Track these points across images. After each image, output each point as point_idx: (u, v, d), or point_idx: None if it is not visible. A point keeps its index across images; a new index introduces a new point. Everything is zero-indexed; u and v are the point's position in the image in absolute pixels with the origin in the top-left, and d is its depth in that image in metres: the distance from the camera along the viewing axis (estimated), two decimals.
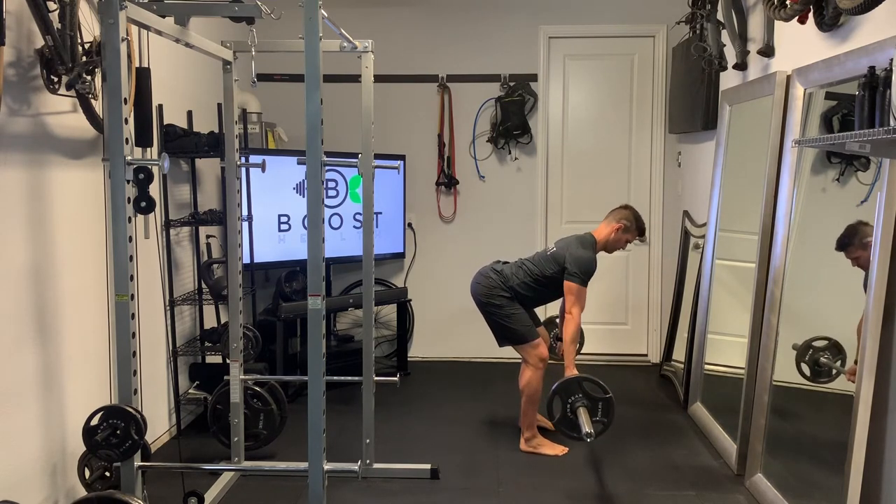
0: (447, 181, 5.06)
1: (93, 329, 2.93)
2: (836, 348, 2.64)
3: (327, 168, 2.18)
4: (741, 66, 3.56)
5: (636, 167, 5.09)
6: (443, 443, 3.65)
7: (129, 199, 2.09)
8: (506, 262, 3.62)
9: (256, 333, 3.50)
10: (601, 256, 3.56)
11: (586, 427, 2.89)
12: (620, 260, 5.10)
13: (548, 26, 4.97)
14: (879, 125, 1.97)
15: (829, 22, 2.61)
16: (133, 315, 2.14)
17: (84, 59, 2.60)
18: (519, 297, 3.50)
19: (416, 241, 5.16)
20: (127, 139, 2.06)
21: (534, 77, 4.99)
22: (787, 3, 2.79)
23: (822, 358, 2.69)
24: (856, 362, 2.38)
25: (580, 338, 3.89)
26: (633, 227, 3.57)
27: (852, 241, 2.56)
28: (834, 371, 2.65)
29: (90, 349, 2.91)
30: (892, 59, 2.02)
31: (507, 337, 3.52)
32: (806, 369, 2.76)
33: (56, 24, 2.44)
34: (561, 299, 3.61)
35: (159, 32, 2.39)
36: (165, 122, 3.52)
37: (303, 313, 2.83)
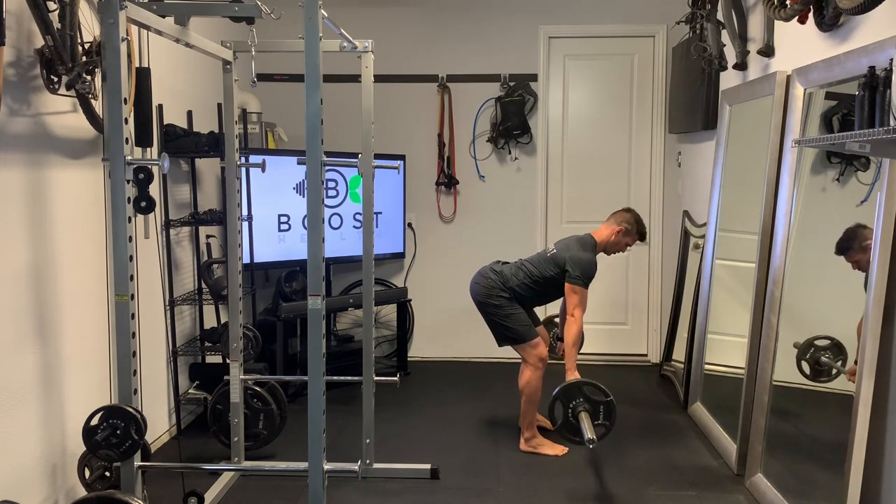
0: (447, 181, 5.06)
1: (93, 329, 2.93)
2: (837, 348, 2.64)
3: (327, 168, 2.18)
4: (741, 66, 3.56)
5: (636, 167, 5.09)
6: (443, 443, 3.65)
7: (129, 199, 2.09)
8: (505, 263, 3.62)
9: (256, 333, 3.50)
10: (600, 256, 3.56)
11: (588, 433, 2.89)
12: (620, 260, 5.09)
13: (548, 26, 4.97)
14: (879, 125, 1.97)
15: (829, 22, 2.61)
16: (133, 315, 2.14)
17: (84, 59, 2.59)
18: (518, 297, 3.50)
19: (416, 241, 5.15)
20: (127, 139, 2.06)
21: (534, 77, 4.99)
22: (787, 3, 2.79)
23: (823, 357, 2.70)
24: (856, 362, 2.38)
25: (580, 339, 3.89)
26: (633, 230, 3.57)
27: (851, 245, 2.56)
28: (834, 371, 2.65)
29: (90, 349, 2.91)
30: (892, 59, 2.02)
31: (507, 337, 3.52)
32: (806, 368, 2.76)
33: (56, 24, 2.44)
34: (561, 299, 3.61)
35: (159, 32, 2.39)
36: (165, 122, 3.52)
37: (303, 313, 2.83)
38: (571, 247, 3.48)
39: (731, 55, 3.64)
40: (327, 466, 2.22)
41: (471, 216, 5.13)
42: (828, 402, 2.80)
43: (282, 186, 4.36)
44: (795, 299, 2.94)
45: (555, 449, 3.52)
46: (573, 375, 3.21)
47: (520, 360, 3.60)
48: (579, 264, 3.39)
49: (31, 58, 2.50)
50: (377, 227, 4.44)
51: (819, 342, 2.72)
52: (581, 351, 3.88)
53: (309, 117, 2.10)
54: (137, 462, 2.21)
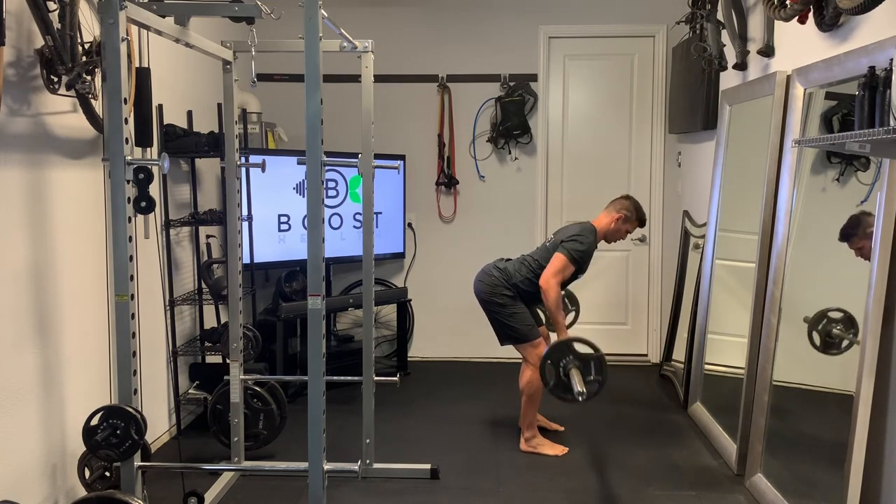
0: (447, 181, 5.06)
1: (93, 329, 2.93)
2: (849, 321, 2.59)
3: (327, 168, 2.18)
4: (741, 66, 3.56)
5: (636, 167, 5.09)
6: (443, 443, 3.65)
7: (129, 199, 2.09)
8: (508, 260, 3.62)
9: (256, 333, 3.49)
10: (600, 255, 3.56)
11: (578, 386, 2.84)
12: (620, 260, 5.11)
13: (548, 26, 4.97)
14: (879, 125, 1.97)
15: (829, 22, 2.61)
16: (133, 315, 2.14)
17: (84, 59, 2.59)
18: (522, 293, 3.49)
19: (416, 241, 5.15)
20: (127, 139, 2.06)
21: (534, 77, 4.99)
22: (787, 3, 2.79)
23: (834, 329, 2.66)
24: None
25: (576, 305, 3.88)
26: (633, 216, 3.57)
27: (856, 232, 2.56)
28: (845, 343, 2.61)
29: (90, 349, 2.91)
30: (891, 59, 2.02)
31: (509, 336, 3.52)
32: (817, 338, 2.71)
33: (56, 24, 2.44)
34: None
35: (159, 32, 2.39)
36: (165, 122, 3.52)
37: (303, 313, 2.83)
38: (571, 230, 3.51)
39: (731, 55, 3.64)
40: (327, 466, 2.22)
41: (471, 216, 5.13)
42: (828, 402, 2.79)
43: (282, 186, 4.36)
44: (796, 299, 2.94)
45: (555, 449, 3.52)
46: (563, 336, 3.19)
47: (520, 360, 3.60)
48: (574, 242, 3.42)
49: (31, 58, 2.50)
50: (377, 227, 4.44)
51: (832, 314, 2.67)
52: (579, 320, 3.87)
53: (309, 117, 2.10)
54: (137, 462, 2.21)
